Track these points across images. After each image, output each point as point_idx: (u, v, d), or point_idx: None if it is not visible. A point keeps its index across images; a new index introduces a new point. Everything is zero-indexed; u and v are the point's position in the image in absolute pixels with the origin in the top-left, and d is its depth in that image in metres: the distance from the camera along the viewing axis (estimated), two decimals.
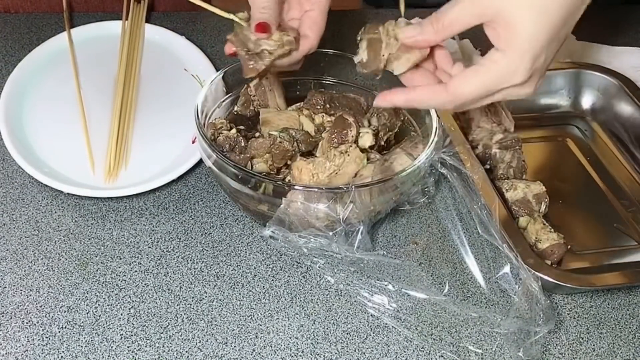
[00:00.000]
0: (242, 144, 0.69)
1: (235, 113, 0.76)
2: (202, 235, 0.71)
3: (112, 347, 0.61)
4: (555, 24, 0.53)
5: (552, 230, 0.70)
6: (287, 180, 0.68)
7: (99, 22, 0.93)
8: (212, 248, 0.70)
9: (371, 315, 0.65)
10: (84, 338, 0.62)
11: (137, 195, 0.73)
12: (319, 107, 0.75)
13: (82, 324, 0.63)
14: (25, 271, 0.66)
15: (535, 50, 0.53)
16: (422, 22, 0.58)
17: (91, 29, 0.92)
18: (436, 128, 0.69)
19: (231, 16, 0.64)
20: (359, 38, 0.62)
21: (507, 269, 0.65)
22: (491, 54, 0.55)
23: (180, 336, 0.63)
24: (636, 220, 0.77)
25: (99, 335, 0.62)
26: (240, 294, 0.66)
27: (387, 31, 0.60)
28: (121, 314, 0.64)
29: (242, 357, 0.62)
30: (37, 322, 0.62)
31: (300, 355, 0.62)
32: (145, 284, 0.66)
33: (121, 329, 0.62)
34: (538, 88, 0.58)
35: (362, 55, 0.62)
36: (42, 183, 0.72)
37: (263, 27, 0.62)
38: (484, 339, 0.64)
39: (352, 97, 0.76)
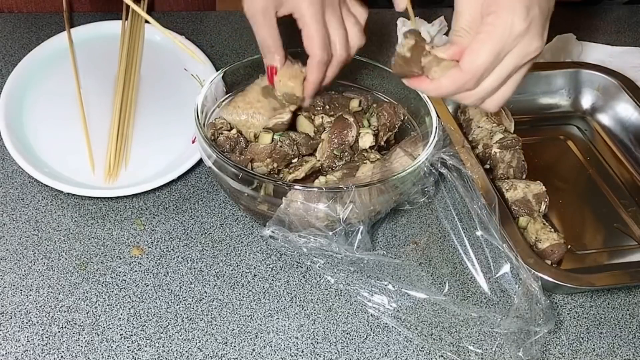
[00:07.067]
0: (243, 145, 0.69)
1: None
2: (202, 235, 0.71)
3: (112, 347, 0.61)
4: None
5: (552, 230, 0.70)
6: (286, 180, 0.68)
7: (99, 22, 0.93)
8: (212, 248, 0.70)
9: (371, 315, 0.65)
10: (84, 338, 0.62)
11: (137, 195, 0.73)
12: (318, 108, 0.75)
13: (81, 324, 0.63)
14: (25, 271, 0.66)
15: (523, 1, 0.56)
16: (453, 39, 0.59)
17: (91, 29, 0.92)
18: (436, 128, 0.69)
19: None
20: (403, 36, 0.61)
21: (507, 269, 0.65)
22: (485, 20, 0.57)
23: (180, 336, 0.63)
24: (636, 220, 0.77)
25: (98, 335, 0.62)
26: (240, 294, 0.66)
27: (424, 49, 0.60)
28: (121, 314, 0.64)
29: (242, 357, 0.62)
30: (37, 322, 0.62)
31: (300, 355, 0.62)
32: (145, 284, 0.66)
33: (121, 329, 0.62)
34: (544, 40, 0.58)
35: (404, 51, 0.61)
36: (42, 183, 0.72)
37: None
38: (484, 339, 0.64)
39: (352, 97, 0.76)
